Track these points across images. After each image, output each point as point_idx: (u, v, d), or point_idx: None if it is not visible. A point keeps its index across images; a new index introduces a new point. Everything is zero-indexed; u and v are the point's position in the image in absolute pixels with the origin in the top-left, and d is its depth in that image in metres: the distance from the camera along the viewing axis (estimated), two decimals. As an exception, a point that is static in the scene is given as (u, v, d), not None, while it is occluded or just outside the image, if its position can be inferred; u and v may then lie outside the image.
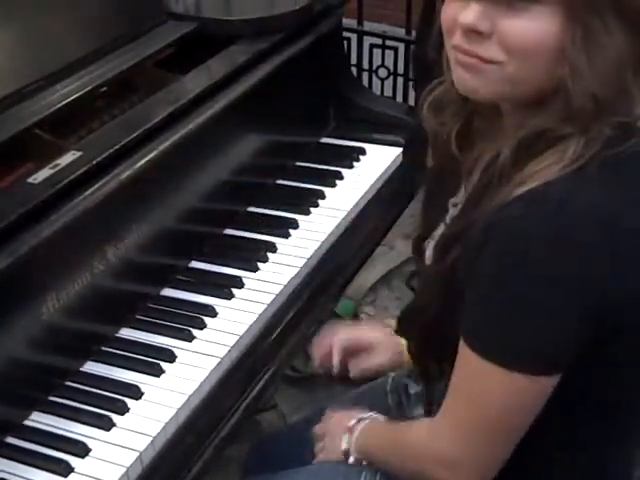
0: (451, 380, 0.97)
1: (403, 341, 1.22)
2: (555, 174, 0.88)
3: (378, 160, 1.66)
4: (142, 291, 1.29)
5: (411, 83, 2.49)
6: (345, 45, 1.95)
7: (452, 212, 1.05)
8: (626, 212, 0.89)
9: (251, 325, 1.25)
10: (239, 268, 1.35)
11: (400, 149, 1.67)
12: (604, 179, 0.88)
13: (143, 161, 1.22)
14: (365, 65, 2.56)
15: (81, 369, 1.17)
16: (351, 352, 1.30)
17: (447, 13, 0.93)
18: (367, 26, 2.57)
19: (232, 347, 1.21)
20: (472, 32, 0.90)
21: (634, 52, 0.88)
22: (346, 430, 1.14)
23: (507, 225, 0.88)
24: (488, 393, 0.93)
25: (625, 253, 0.88)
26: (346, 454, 1.14)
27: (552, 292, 0.87)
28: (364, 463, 1.14)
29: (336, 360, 1.29)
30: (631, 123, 0.90)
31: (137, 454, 1.05)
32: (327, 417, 1.22)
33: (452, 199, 1.06)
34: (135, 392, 1.13)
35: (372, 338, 1.30)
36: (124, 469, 1.03)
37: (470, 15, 0.89)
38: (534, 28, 0.87)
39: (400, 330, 1.14)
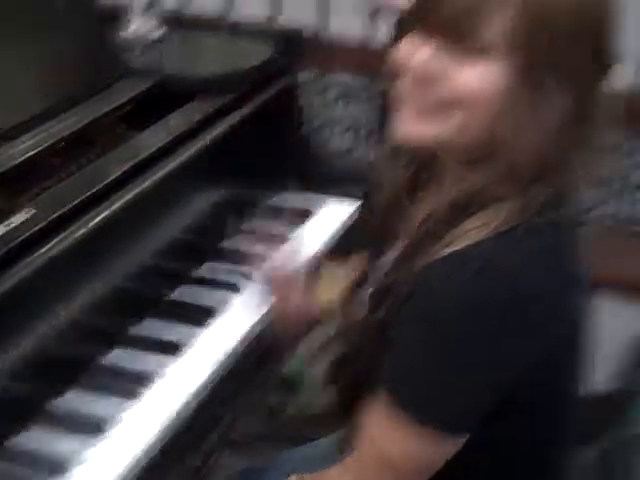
0: (361, 424, 0.99)
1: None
2: (483, 236, 0.89)
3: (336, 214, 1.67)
4: (90, 354, 1.25)
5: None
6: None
7: (379, 269, 1.06)
8: (546, 283, 0.90)
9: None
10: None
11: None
12: (527, 246, 0.89)
13: (98, 219, 1.21)
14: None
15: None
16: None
17: (400, 54, 0.94)
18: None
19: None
20: (422, 75, 0.91)
21: (575, 114, 0.90)
22: None
23: (428, 285, 0.90)
24: (387, 437, 0.95)
25: (537, 323, 0.90)
26: None
27: (457, 358, 0.89)
28: None
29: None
30: (564, 192, 0.92)
31: None
32: None
33: (383, 258, 1.06)
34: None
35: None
36: None
37: (423, 56, 0.90)
38: (482, 79, 0.88)
39: (331, 377, 1.13)
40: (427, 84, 0.91)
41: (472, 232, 0.89)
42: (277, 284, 1.31)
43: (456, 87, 0.89)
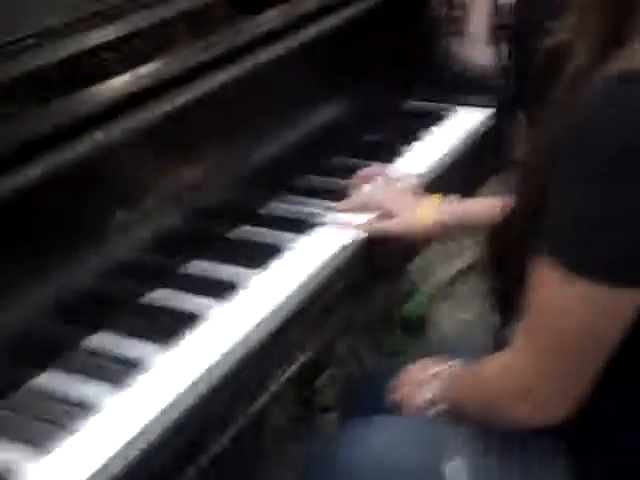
0: (527, 304, 0.91)
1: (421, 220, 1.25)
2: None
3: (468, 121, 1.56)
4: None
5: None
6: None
7: None
8: None
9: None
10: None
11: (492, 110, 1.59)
12: None
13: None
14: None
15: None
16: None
17: None
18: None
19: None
20: None
21: None
22: (430, 379, 1.07)
23: (590, 115, 0.81)
24: (565, 311, 0.87)
25: None
26: (431, 403, 1.06)
27: (626, 195, 0.81)
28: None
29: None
30: None
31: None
32: (405, 371, 1.13)
33: None
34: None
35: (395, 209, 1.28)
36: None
37: None
38: None
39: (487, 247, 1.04)
40: None
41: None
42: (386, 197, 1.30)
43: None
